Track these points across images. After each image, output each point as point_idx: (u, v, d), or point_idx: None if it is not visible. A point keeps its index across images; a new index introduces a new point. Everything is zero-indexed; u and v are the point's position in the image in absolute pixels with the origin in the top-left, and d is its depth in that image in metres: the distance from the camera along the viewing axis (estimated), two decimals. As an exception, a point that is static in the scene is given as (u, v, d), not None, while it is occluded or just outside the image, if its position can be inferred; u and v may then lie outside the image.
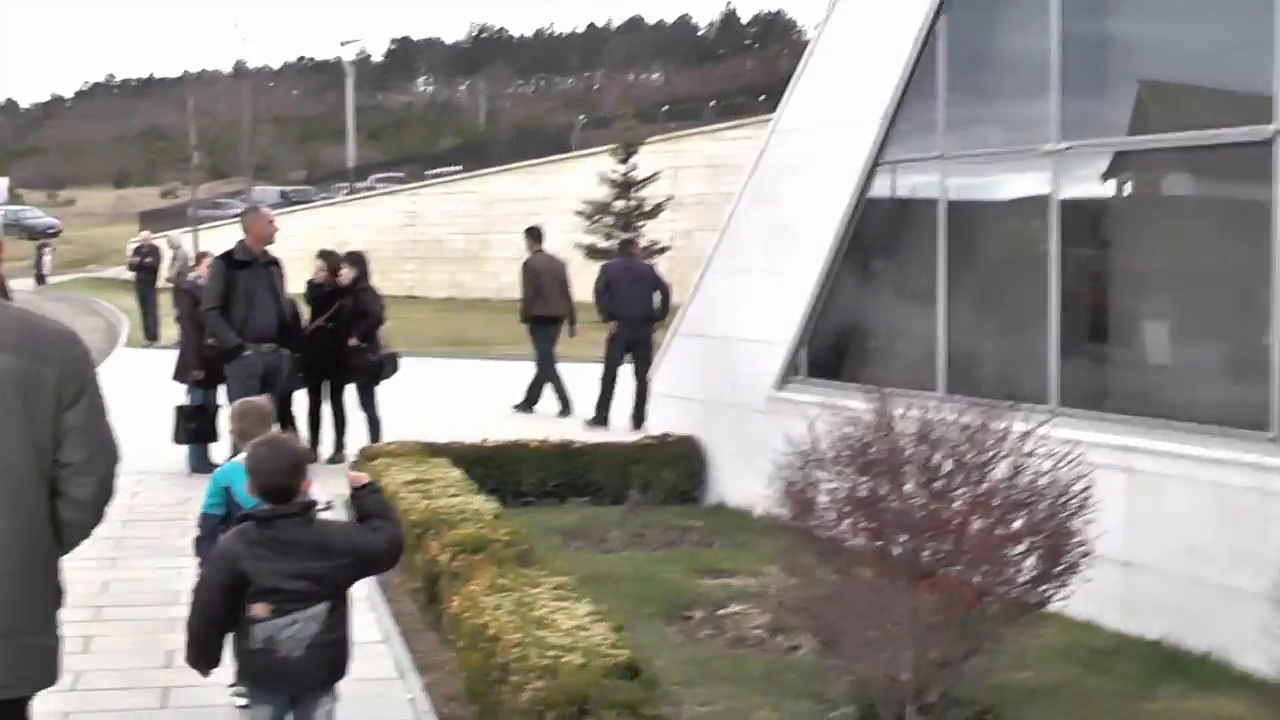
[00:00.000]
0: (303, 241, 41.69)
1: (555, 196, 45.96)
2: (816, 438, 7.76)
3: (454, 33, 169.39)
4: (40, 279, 59.43)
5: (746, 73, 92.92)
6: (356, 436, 15.98)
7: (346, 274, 16.26)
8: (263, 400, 8.55)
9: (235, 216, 62.73)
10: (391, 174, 72.61)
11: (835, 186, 12.01)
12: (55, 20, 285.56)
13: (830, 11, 12.39)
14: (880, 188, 11.78)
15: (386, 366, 16.28)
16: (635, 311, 19.48)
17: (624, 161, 43.20)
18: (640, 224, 41.94)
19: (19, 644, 4.42)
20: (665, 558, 11.36)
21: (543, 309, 20.78)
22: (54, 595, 4.62)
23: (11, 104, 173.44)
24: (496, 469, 13.16)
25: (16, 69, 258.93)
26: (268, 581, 5.62)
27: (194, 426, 15.02)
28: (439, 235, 55.71)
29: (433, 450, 12.82)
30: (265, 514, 5.79)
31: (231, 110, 79.95)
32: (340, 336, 15.90)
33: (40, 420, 4.37)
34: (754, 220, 13.20)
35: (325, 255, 16.88)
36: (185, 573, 6.82)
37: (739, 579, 10.69)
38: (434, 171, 65.93)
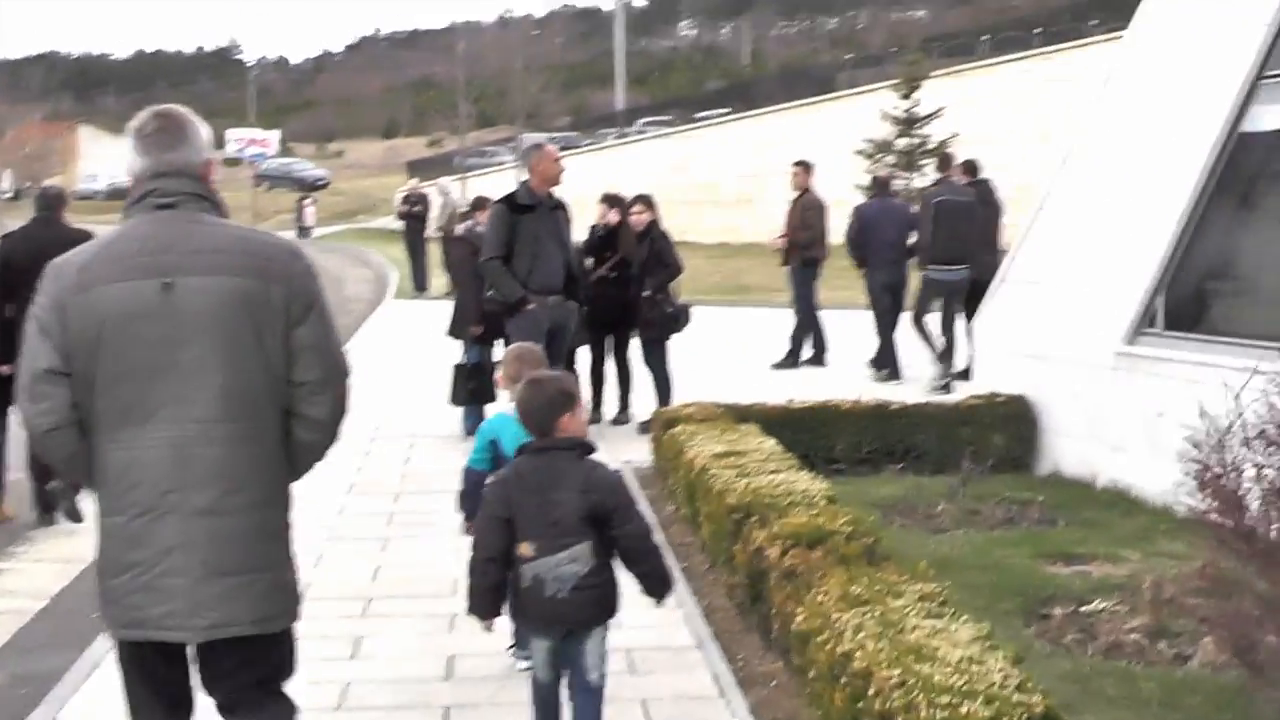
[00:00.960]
0: (573, 188, 40.04)
1: (829, 136, 44.82)
2: (1240, 408, 6.14)
3: None
4: (302, 231, 58.77)
5: (1012, 8, 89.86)
6: (642, 398, 14.83)
7: (641, 217, 14.66)
8: (536, 345, 8.15)
9: (499, 164, 63.89)
10: (659, 119, 71.36)
11: (1204, 112, 10.41)
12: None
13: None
14: (1261, 111, 10.13)
15: (681, 319, 14.80)
16: (890, 254, 18.02)
17: (906, 97, 41.38)
18: (924, 162, 40.05)
19: (265, 580, 4.43)
20: (1006, 539, 9.82)
21: (817, 251, 19.28)
22: (289, 528, 4.61)
23: (283, 60, 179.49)
24: (806, 433, 11.71)
25: (288, 26, 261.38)
26: (532, 518, 5.64)
27: (472, 386, 13.86)
28: (710, 178, 54.23)
29: (738, 414, 11.59)
30: (536, 446, 5.83)
31: (499, 58, 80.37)
32: (629, 287, 14.47)
33: (271, 341, 4.35)
34: (1100, 156, 11.60)
35: (610, 199, 15.17)
36: (464, 554, 5.95)
37: (1095, 566, 9.16)
38: (702, 115, 64.55)
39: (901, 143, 40.99)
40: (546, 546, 5.58)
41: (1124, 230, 11.20)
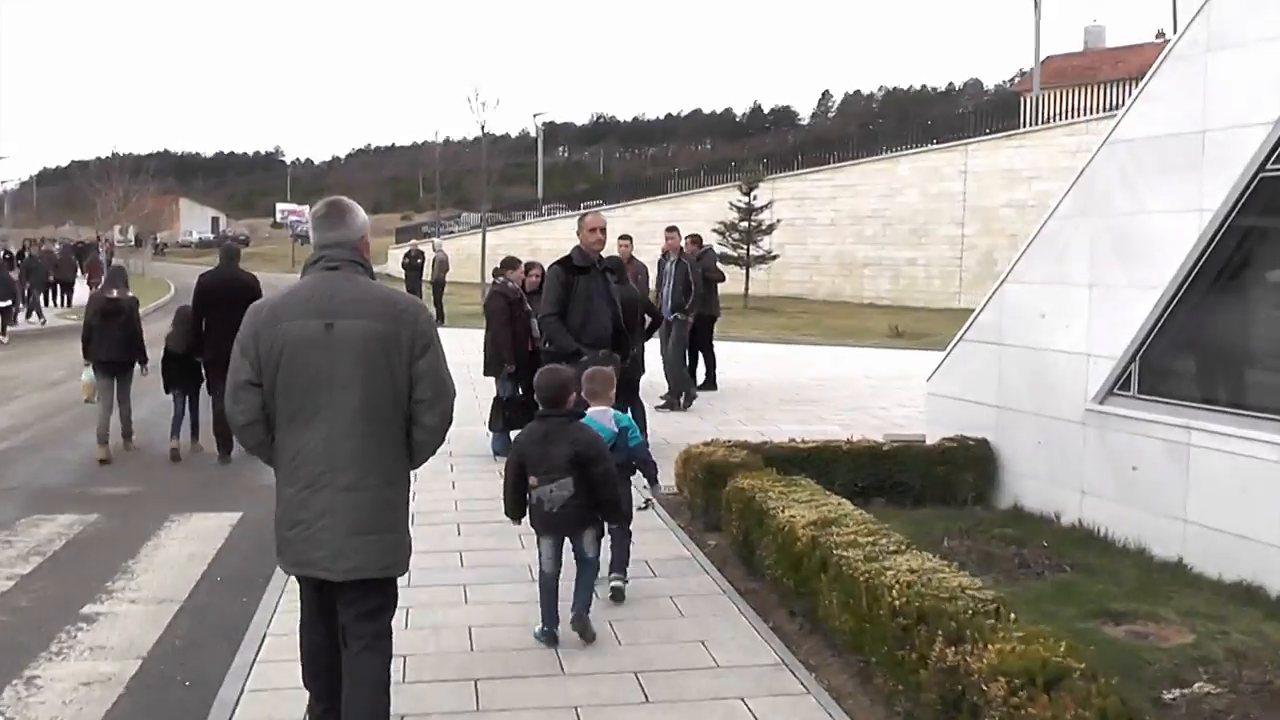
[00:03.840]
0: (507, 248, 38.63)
1: (690, 219, 42.27)
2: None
3: (580, 117, 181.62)
4: None
5: (766, 144, 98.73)
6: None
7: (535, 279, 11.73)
8: (608, 369, 7.15)
9: (452, 232, 62.34)
10: (558, 205, 68.64)
11: (1196, 197, 7.60)
12: (330, 98, 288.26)
13: (1192, 20, 7.88)
14: (1260, 200, 7.32)
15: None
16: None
17: (747, 194, 39.92)
18: (759, 238, 39.39)
19: (389, 538, 4.28)
20: (1042, 592, 6.83)
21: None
22: (407, 504, 4.43)
23: (309, 160, 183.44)
24: (811, 469, 8.71)
25: (312, 135, 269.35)
26: (537, 460, 5.75)
27: (508, 415, 10.71)
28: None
29: (752, 450, 8.60)
30: (541, 414, 5.91)
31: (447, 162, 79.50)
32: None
33: (399, 368, 4.21)
34: (1075, 232, 8.68)
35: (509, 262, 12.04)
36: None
37: (1142, 626, 6.28)
38: (587, 203, 61.23)
39: (743, 224, 39.10)
40: (544, 479, 5.75)
41: (1097, 301, 8.40)
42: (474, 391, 14.08)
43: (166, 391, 12.01)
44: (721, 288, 16.57)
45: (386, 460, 4.23)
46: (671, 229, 15.51)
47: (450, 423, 4.34)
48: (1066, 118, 37.80)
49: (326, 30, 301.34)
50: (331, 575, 4.21)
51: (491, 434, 11.15)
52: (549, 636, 5.90)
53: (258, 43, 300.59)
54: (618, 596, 6.60)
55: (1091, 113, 36.94)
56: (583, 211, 10.28)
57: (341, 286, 4.25)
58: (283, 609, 6.46)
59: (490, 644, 5.96)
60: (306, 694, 4.65)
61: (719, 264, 16.82)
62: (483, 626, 6.23)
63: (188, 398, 11.95)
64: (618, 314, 9.30)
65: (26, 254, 32.98)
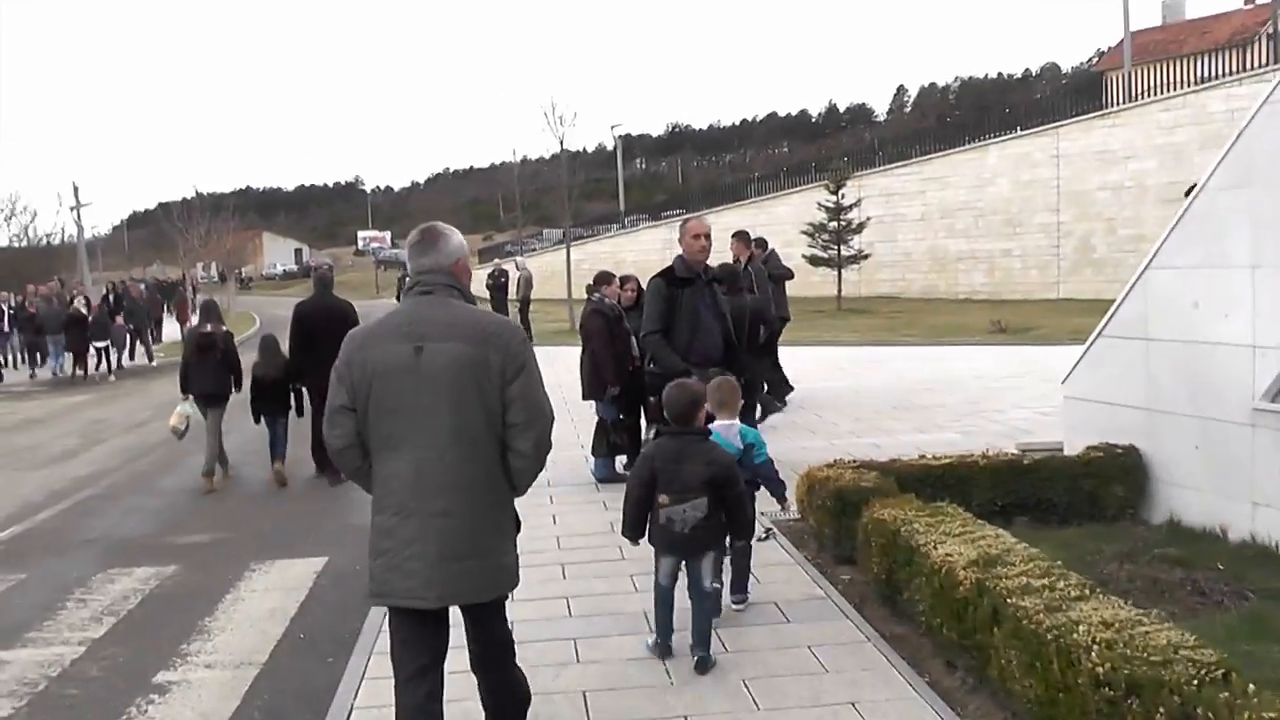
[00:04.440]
0: (584, 265, 39.19)
1: (775, 223, 41.54)
2: None
3: (655, 128, 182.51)
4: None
5: (843, 143, 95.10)
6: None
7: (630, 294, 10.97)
8: (731, 378, 6.74)
9: (534, 249, 62.07)
10: (640, 215, 67.64)
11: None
12: (406, 124, 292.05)
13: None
14: None
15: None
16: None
17: (834, 193, 38.45)
18: (849, 237, 37.93)
19: (492, 561, 4.11)
20: (1231, 626, 5.83)
21: None
22: (512, 525, 4.23)
23: (390, 188, 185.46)
24: (946, 489, 7.84)
25: (385, 164, 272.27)
26: (669, 479, 5.52)
27: (613, 439, 10.02)
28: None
29: (881, 471, 7.75)
30: (672, 431, 5.68)
31: (532, 180, 79.88)
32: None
33: (490, 392, 4.01)
34: (1233, 207, 7.72)
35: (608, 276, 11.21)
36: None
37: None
38: (669, 213, 60.29)
39: (832, 224, 38.04)
40: (676, 499, 5.51)
41: (1263, 286, 7.42)
42: (570, 415, 13.38)
43: (256, 421, 12.21)
44: (813, 290, 15.76)
45: (481, 484, 4.07)
46: (739, 233, 14.61)
47: (548, 448, 4.17)
48: (1159, 93, 36.22)
49: (399, 57, 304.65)
50: (426, 603, 4.06)
51: (594, 460, 10.42)
52: (663, 649, 5.79)
53: (333, 75, 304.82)
54: (735, 604, 6.49)
55: (1180, 87, 35.35)
56: (685, 217, 9.07)
57: (433, 311, 4.15)
58: (371, 674, 5.79)
59: (610, 713, 5.20)
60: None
61: (783, 263, 15.72)
62: (598, 691, 5.46)
63: (279, 424, 12.15)
64: (728, 328, 8.37)
65: (111, 296, 33.30)
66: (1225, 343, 7.69)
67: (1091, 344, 9.06)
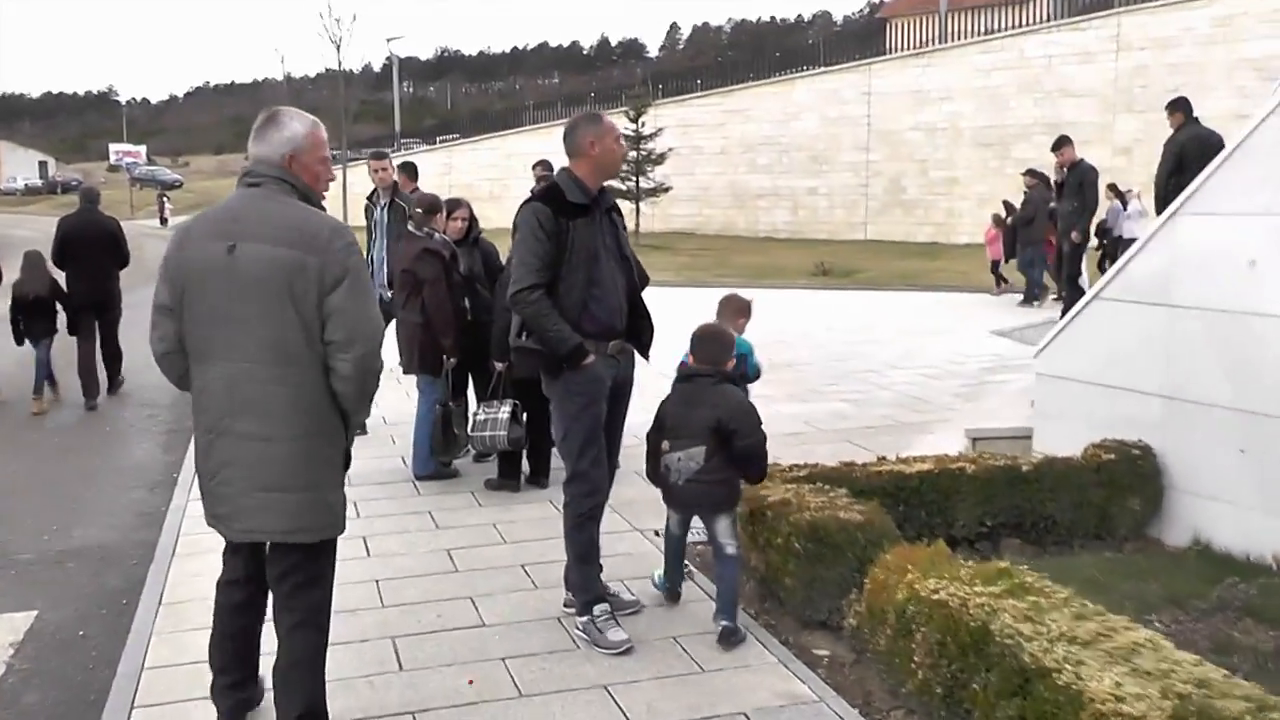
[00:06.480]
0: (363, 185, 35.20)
1: (561, 151, 39.15)
2: None
3: (424, 51, 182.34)
4: (163, 221, 52.52)
5: (615, 76, 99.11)
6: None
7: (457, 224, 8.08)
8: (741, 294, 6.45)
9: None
10: (414, 140, 64.15)
11: None
12: (165, 32, 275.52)
13: None
14: None
15: None
16: None
17: (635, 120, 36.56)
18: (649, 169, 36.64)
19: (299, 497, 3.60)
20: None
21: None
22: (340, 459, 3.74)
23: (146, 100, 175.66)
24: (921, 506, 5.85)
25: (145, 73, 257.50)
26: (676, 423, 5.06)
27: (457, 433, 7.38)
28: (467, 181, 46.59)
29: (853, 488, 5.54)
30: (684, 373, 5.18)
31: (299, 98, 75.79)
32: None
33: (307, 303, 3.53)
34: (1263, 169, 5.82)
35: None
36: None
37: None
38: (445, 137, 57.61)
39: (632, 154, 35.87)
40: (676, 445, 5.04)
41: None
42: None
43: (19, 343, 11.43)
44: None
45: (300, 408, 3.59)
46: (540, 163, 12.24)
47: (374, 372, 3.68)
48: (963, 37, 35.45)
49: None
50: (230, 535, 3.77)
51: (413, 458, 7.84)
52: (671, 595, 5.49)
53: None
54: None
55: (988, 33, 34.71)
56: (589, 114, 5.61)
57: (257, 207, 3.68)
58: None
59: None
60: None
61: None
62: None
63: (43, 346, 11.36)
64: (633, 280, 5.33)
65: None
66: (1272, 314, 5.80)
67: (1081, 310, 7.06)
